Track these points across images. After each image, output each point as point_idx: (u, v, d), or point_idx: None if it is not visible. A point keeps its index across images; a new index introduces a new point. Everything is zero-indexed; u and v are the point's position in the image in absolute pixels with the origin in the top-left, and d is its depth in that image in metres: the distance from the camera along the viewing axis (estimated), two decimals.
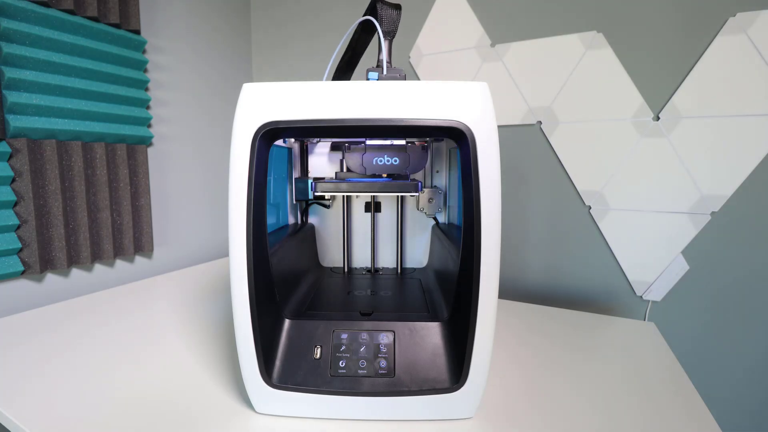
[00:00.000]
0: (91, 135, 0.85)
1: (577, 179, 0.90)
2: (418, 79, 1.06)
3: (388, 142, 0.56)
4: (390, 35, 0.51)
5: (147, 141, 0.98)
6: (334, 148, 0.71)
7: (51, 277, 0.84)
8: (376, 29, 0.50)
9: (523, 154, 0.96)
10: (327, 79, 0.56)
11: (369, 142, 0.56)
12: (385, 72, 0.48)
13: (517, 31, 0.93)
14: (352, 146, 0.56)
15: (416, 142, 0.57)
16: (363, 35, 0.58)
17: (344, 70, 0.64)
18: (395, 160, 0.55)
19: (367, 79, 0.47)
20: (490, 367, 0.44)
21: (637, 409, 0.48)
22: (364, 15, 0.53)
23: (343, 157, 0.57)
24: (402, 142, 0.56)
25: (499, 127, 0.97)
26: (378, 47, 0.51)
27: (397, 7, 0.51)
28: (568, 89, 0.89)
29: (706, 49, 0.76)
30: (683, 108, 0.79)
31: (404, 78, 0.48)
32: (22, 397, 0.48)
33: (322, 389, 0.43)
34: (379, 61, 0.50)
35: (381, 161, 0.55)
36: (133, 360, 0.58)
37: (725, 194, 0.78)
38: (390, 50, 0.51)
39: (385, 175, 0.59)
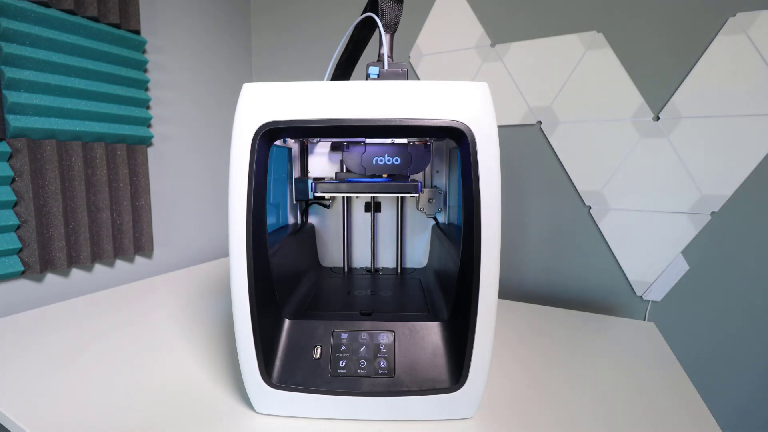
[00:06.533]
0: (91, 135, 0.85)
1: (577, 179, 0.90)
2: (418, 78, 1.06)
3: (388, 141, 0.55)
4: (392, 29, 0.48)
5: (147, 141, 0.98)
6: (334, 148, 0.71)
7: (51, 277, 0.84)
8: (377, 25, 0.48)
9: (523, 154, 0.96)
10: (328, 78, 0.55)
11: (369, 141, 0.55)
12: (386, 67, 0.46)
13: (517, 31, 0.93)
14: (351, 145, 0.55)
15: (417, 141, 0.56)
16: (363, 32, 0.57)
17: (344, 67, 0.63)
18: (396, 160, 0.55)
19: (368, 74, 0.46)
20: (490, 368, 0.43)
21: (637, 409, 0.48)
22: (365, 10, 0.52)
23: (342, 157, 0.56)
24: (404, 141, 0.55)
25: (499, 127, 0.97)
26: (379, 41, 0.48)
27: (399, 0, 0.49)
28: (568, 89, 0.89)
29: (706, 49, 0.76)
30: (683, 108, 0.79)
31: (406, 71, 0.46)
32: (22, 397, 0.48)
33: (322, 389, 0.43)
34: (380, 55, 0.48)
35: (381, 161, 0.55)
36: (132, 360, 0.58)
37: (725, 194, 0.78)
38: (391, 44, 0.49)
39: (384, 176, 0.58)
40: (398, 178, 0.59)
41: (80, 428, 0.43)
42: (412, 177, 0.71)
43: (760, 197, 0.76)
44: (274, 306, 0.47)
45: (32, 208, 0.75)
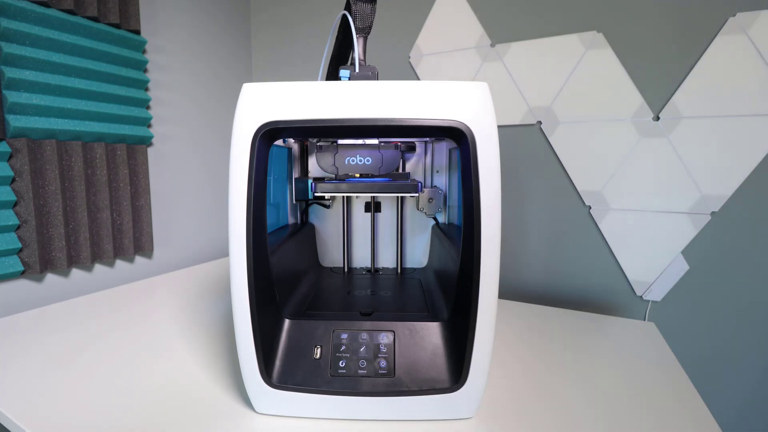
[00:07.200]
0: (91, 135, 0.85)
1: (577, 179, 0.90)
2: (418, 79, 1.06)
3: (360, 141, 0.55)
4: (364, 32, 0.50)
5: (147, 141, 0.98)
6: None
7: (51, 277, 0.84)
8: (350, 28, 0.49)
9: (523, 154, 0.96)
10: (321, 79, 0.55)
11: (341, 141, 0.56)
12: (357, 70, 0.47)
13: (517, 31, 0.93)
14: (323, 146, 0.55)
15: (390, 142, 0.57)
16: (347, 38, 0.58)
17: (335, 68, 0.64)
18: (368, 160, 0.55)
19: (339, 78, 0.46)
20: (490, 368, 0.43)
21: (637, 409, 0.48)
22: (344, 10, 0.53)
23: (315, 158, 0.56)
24: (375, 141, 0.55)
25: (499, 127, 0.97)
26: (351, 45, 0.50)
27: (372, 0, 0.50)
28: (568, 89, 0.89)
29: (706, 49, 0.76)
30: (683, 108, 0.79)
31: (376, 75, 0.47)
32: (22, 397, 0.48)
33: (322, 389, 0.43)
34: (352, 58, 0.49)
35: (353, 161, 0.55)
36: (132, 360, 0.58)
37: (725, 194, 0.78)
38: (364, 47, 0.50)
39: (365, 175, 0.58)
40: (398, 178, 0.59)
41: (80, 428, 0.43)
42: (413, 177, 0.72)
43: (760, 197, 0.76)
44: (274, 306, 0.47)
45: (32, 208, 0.75)
